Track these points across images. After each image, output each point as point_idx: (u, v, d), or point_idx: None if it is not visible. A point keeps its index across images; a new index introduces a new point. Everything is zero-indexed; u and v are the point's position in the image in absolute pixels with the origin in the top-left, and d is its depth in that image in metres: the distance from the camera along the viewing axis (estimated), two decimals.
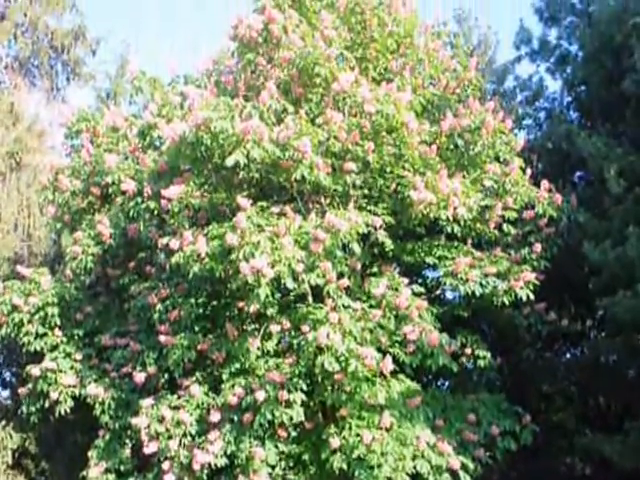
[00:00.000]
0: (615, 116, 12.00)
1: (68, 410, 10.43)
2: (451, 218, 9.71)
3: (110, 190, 10.88)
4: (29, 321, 10.82)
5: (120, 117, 11.53)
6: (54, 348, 10.82)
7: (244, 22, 9.77)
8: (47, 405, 10.57)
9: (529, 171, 10.65)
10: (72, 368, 10.66)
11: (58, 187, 11.31)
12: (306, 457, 9.62)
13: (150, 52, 29.53)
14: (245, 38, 9.84)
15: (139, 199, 10.34)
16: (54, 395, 10.37)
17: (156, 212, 10.25)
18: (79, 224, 11.32)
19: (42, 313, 10.82)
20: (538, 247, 10.41)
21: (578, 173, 12.99)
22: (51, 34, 16.80)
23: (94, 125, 11.54)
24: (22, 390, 10.87)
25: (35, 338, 10.81)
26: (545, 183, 10.59)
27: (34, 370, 10.51)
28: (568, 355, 13.70)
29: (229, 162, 8.95)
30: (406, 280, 9.80)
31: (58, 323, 10.89)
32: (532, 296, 9.90)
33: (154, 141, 11.08)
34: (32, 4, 16.67)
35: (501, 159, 10.59)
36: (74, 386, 10.48)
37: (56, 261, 15.19)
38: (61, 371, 10.54)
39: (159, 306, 9.97)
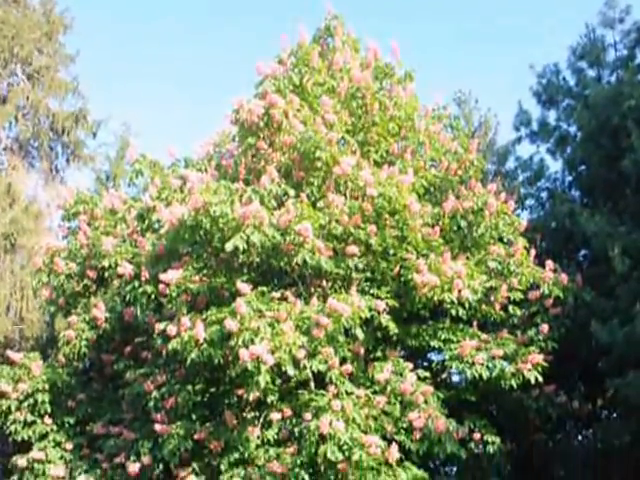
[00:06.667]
0: (616, 194, 12.09)
1: None
2: (456, 301, 9.62)
3: (106, 273, 10.76)
4: (17, 408, 10.55)
5: (119, 200, 11.54)
6: (43, 437, 10.50)
7: (245, 106, 9.85)
8: None
9: (533, 251, 10.61)
10: (61, 458, 10.34)
11: (53, 269, 11.18)
12: None
13: (151, 133, 30.22)
14: (246, 122, 9.90)
15: (136, 283, 10.18)
16: None
17: (153, 296, 10.08)
18: (74, 307, 11.17)
19: (31, 400, 10.56)
20: (545, 328, 10.29)
21: (582, 252, 12.97)
22: (52, 116, 17.10)
23: (92, 207, 11.53)
24: None
25: (23, 427, 10.52)
26: (550, 263, 10.54)
27: (20, 461, 10.20)
28: (580, 437, 13.25)
29: (228, 247, 8.89)
30: (411, 365, 9.63)
31: (48, 410, 10.61)
32: (541, 378, 9.73)
33: (153, 224, 11.02)
34: (34, 87, 17.04)
35: (505, 240, 10.60)
36: (63, 477, 10.14)
37: (49, 345, 14.91)
38: (50, 461, 10.22)
39: (155, 393, 9.69)
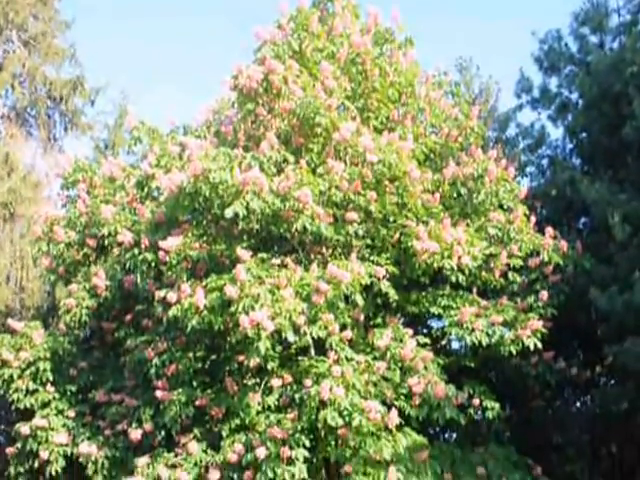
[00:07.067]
0: (617, 162, 12.01)
1: (59, 470, 10.08)
2: (455, 267, 9.61)
3: (106, 241, 10.71)
4: (19, 377, 10.58)
5: (117, 167, 11.43)
6: (45, 405, 10.54)
7: (244, 72, 9.74)
8: (37, 465, 10.25)
9: (533, 218, 10.60)
10: (64, 426, 10.37)
11: (53, 238, 11.14)
12: None
13: (149, 101, 29.87)
14: (245, 88, 9.79)
15: (136, 250, 10.14)
16: (44, 455, 10.05)
17: (153, 264, 10.06)
18: (74, 276, 11.16)
19: (33, 368, 10.59)
20: (544, 295, 10.28)
21: (582, 219, 12.93)
22: (49, 84, 16.88)
23: (91, 176, 11.44)
24: (10, 449, 10.56)
25: (25, 395, 10.55)
26: (550, 230, 10.53)
27: (23, 428, 10.22)
28: (578, 404, 13.38)
29: (228, 213, 8.86)
30: (411, 331, 9.65)
31: (50, 379, 10.64)
32: (540, 345, 9.75)
33: (152, 192, 10.95)
34: (31, 54, 16.82)
35: (505, 207, 10.57)
36: (66, 445, 10.17)
37: (49, 314, 14.95)
38: (52, 429, 10.25)
39: (156, 360, 9.70)
